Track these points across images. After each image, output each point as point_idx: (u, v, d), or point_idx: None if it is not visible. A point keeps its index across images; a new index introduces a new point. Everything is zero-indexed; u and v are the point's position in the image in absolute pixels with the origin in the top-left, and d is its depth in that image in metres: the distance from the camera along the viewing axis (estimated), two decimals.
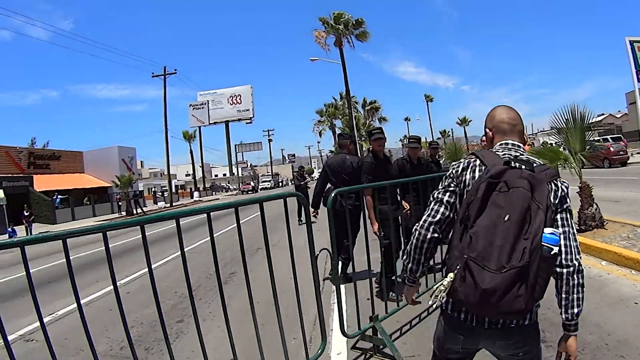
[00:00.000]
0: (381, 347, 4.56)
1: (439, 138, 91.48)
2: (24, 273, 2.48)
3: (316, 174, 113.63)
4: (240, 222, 3.41)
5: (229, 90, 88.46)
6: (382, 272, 5.41)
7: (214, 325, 5.68)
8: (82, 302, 7.46)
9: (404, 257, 2.37)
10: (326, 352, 4.22)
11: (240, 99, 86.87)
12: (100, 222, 32.06)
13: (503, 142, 2.44)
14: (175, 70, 51.54)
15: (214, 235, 3.24)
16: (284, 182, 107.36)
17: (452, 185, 2.32)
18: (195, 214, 3.38)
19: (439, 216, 2.27)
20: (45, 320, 6.62)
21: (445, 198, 2.30)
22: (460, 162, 2.35)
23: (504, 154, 2.32)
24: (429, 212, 2.31)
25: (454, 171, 2.34)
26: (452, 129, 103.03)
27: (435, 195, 2.34)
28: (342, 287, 5.69)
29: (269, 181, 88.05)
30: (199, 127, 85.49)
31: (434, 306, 5.24)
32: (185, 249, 3.16)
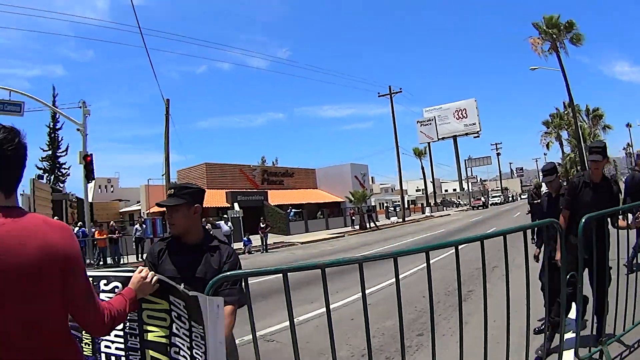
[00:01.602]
0: None
1: None
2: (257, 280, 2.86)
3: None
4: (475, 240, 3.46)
5: (453, 104, 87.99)
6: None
7: (452, 340, 5.73)
8: (321, 310, 7.98)
9: None
10: None
11: (465, 112, 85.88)
12: (333, 235, 34.34)
13: None
14: (400, 89, 52.24)
15: (449, 254, 3.33)
16: (514, 197, 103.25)
17: None
18: (442, 247, 3.52)
19: None
20: (284, 324, 7.24)
21: None
22: None
23: None
24: None
25: None
26: None
27: None
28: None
29: (499, 196, 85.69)
30: (428, 143, 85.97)
31: None
32: (423, 265, 3.30)
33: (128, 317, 2.40)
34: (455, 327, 6.32)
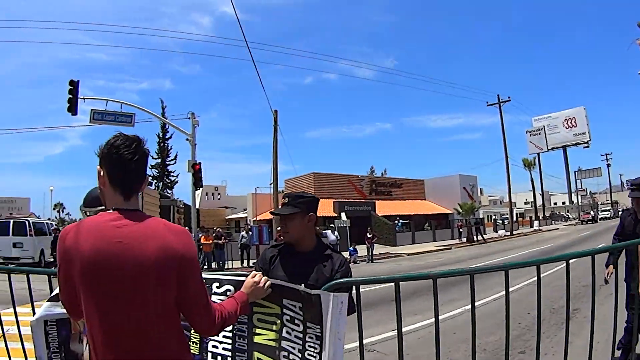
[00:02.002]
0: None
1: None
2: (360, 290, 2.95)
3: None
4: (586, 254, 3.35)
5: (562, 113, 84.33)
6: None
7: None
8: (423, 323, 7.90)
9: None
10: None
11: (574, 121, 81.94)
12: (440, 247, 34.09)
13: None
14: (509, 97, 50.86)
15: (555, 270, 3.25)
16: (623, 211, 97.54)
17: None
18: (553, 261, 3.42)
19: None
20: (385, 335, 7.21)
21: None
22: None
23: None
24: None
25: None
26: None
27: None
28: None
29: (608, 210, 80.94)
30: (538, 154, 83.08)
31: None
32: (529, 280, 3.25)
33: (238, 320, 2.52)
34: (557, 347, 6.14)
